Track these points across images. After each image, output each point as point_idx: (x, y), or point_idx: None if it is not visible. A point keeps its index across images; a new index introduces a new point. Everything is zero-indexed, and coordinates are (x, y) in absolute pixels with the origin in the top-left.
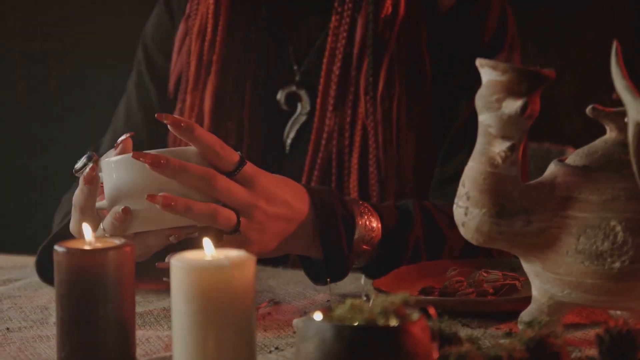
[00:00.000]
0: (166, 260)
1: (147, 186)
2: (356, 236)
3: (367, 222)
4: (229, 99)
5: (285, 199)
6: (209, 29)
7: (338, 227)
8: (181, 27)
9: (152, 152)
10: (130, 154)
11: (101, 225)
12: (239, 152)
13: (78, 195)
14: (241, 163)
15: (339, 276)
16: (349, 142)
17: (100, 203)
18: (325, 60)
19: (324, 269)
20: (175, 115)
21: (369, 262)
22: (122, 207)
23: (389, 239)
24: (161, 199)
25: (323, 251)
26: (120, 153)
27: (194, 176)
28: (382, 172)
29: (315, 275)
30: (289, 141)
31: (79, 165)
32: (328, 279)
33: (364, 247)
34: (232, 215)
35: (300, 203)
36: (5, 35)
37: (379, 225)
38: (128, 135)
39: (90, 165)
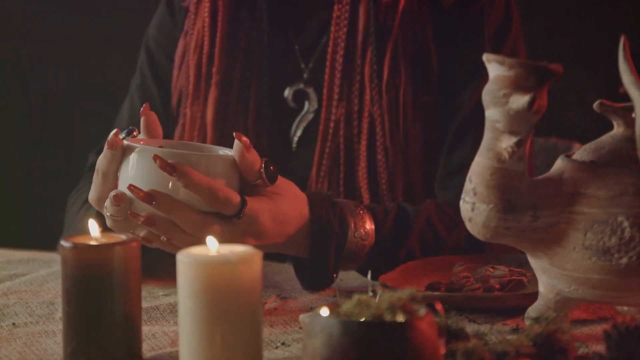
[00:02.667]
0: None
1: (150, 178)
2: (344, 255)
3: (359, 240)
4: (232, 109)
5: (280, 231)
6: (206, 42)
7: (329, 249)
8: (180, 44)
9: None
10: (141, 146)
11: (106, 204)
12: (273, 179)
13: (101, 160)
14: (242, 207)
15: (320, 287)
16: (357, 131)
17: None
18: (329, 50)
19: (306, 278)
20: (170, 162)
21: (358, 269)
22: (115, 193)
23: (379, 251)
24: (143, 219)
25: (308, 267)
26: (145, 126)
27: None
28: (390, 159)
29: (300, 274)
30: (295, 139)
31: (121, 137)
32: (335, 275)
33: (350, 265)
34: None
35: (295, 228)
36: (7, 35)
37: (373, 238)
38: (145, 106)
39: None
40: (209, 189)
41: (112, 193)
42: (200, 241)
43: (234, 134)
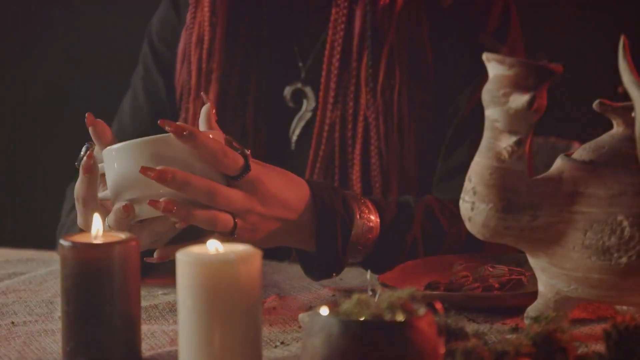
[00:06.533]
0: (155, 256)
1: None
2: (352, 237)
3: (366, 222)
4: (231, 104)
5: (283, 200)
6: (206, 37)
7: (335, 229)
8: (182, 38)
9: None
10: (131, 141)
11: (107, 221)
12: (244, 157)
13: (78, 186)
14: (245, 169)
15: (331, 274)
16: (352, 133)
17: (104, 193)
18: (326, 53)
19: (317, 266)
20: (178, 123)
21: (365, 259)
22: (123, 204)
23: (385, 239)
24: (163, 204)
25: (317, 251)
26: (96, 135)
27: (198, 190)
28: (385, 163)
29: (309, 268)
30: (294, 138)
31: (80, 156)
32: (333, 274)
33: (359, 247)
34: (230, 220)
35: (299, 203)
36: (6, 30)
37: (378, 224)
38: (88, 115)
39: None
40: (215, 146)
41: (118, 205)
42: (217, 219)
43: (201, 93)
